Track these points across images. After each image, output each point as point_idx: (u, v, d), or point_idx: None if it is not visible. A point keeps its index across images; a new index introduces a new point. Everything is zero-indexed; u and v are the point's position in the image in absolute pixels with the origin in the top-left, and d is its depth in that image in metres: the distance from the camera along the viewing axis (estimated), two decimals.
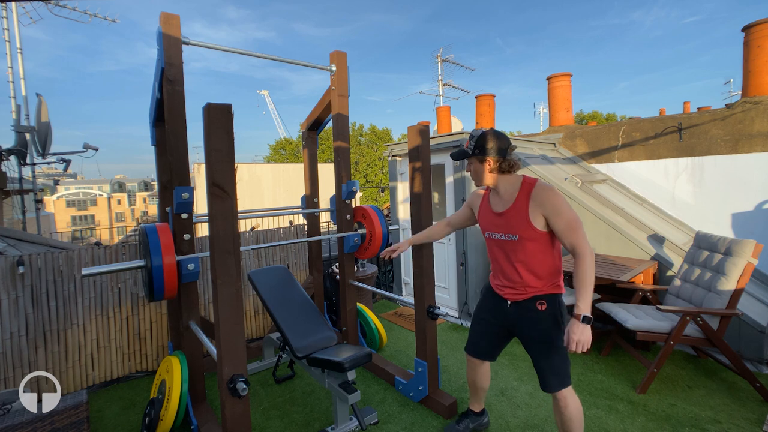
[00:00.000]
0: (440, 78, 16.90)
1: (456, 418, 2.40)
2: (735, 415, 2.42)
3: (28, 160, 6.89)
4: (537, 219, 1.73)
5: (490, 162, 1.82)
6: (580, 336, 1.60)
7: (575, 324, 1.62)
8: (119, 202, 49.19)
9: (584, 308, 1.61)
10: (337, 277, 3.92)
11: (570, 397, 1.81)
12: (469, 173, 1.94)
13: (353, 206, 3.31)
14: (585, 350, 1.61)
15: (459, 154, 1.91)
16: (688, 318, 2.62)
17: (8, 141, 7.19)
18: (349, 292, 3.27)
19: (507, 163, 1.81)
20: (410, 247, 2.69)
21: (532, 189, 1.76)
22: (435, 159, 4.30)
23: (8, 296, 2.73)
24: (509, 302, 1.90)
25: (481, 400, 2.30)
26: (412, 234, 2.64)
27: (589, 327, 1.61)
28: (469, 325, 4.05)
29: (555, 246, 1.81)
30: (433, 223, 2.47)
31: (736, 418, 2.38)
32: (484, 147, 1.82)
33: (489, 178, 1.86)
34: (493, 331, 2.03)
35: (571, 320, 1.64)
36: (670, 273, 3.50)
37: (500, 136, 1.83)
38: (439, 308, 2.60)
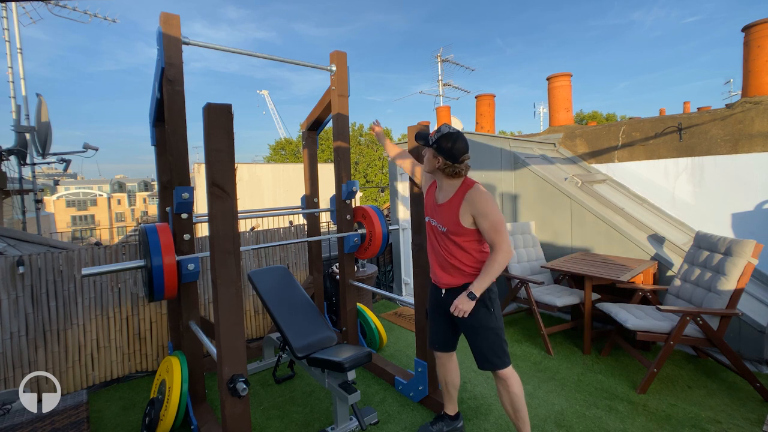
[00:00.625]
0: (440, 78, 16.93)
1: (432, 419, 2.42)
2: (735, 415, 2.42)
3: (28, 160, 6.90)
4: (465, 217, 1.91)
5: (439, 161, 1.96)
6: (460, 305, 1.88)
7: (462, 296, 1.89)
8: (119, 202, 49.19)
9: (476, 288, 1.87)
10: (337, 277, 3.92)
11: (512, 377, 1.99)
12: (424, 155, 2.08)
13: (353, 206, 3.31)
14: (462, 315, 1.88)
15: (421, 137, 2.03)
16: (688, 318, 2.62)
17: (8, 141, 7.19)
18: (349, 292, 3.27)
19: (451, 169, 1.94)
20: (411, 246, 2.70)
21: (468, 191, 1.93)
22: None
23: (8, 296, 2.73)
24: (443, 291, 2.07)
25: (454, 402, 2.34)
26: (413, 233, 2.64)
27: (472, 302, 1.87)
28: None
29: (481, 242, 1.98)
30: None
31: (736, 418, 2.38)
32: (441, 146, 1.93)
33: (436, 172, 2.02)
34: (440, 321, 2.17)
35: (462, 293, 1.90)
36: (670, 273, 3.50)
37: (459, 143, 1.92)
38: None
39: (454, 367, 2.28)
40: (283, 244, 2.99)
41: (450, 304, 2.01)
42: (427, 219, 2.13)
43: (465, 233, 1.93)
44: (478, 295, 1.87)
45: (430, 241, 2.11)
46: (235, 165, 1.69)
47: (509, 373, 1.98)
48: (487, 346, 1.96)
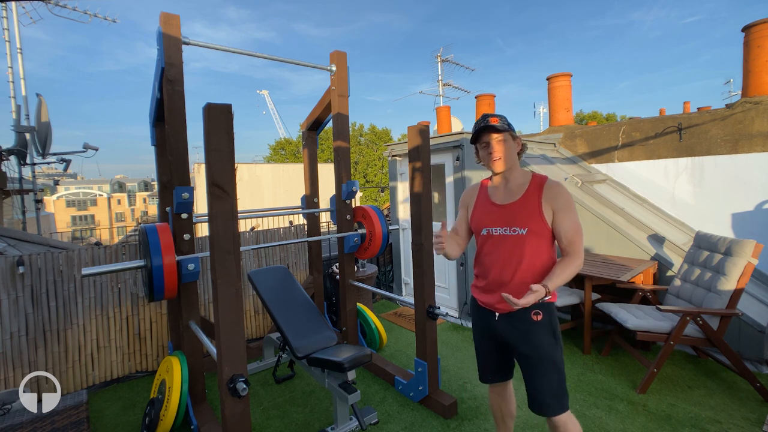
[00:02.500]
0: (440, 78, 16.91)
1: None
2: (735, 415, 2.42)
3: (28, 160, 6.89)
4: (547, 212, 1.61)
5: (519, 142, 1.70)
6: (532, 292, 1.46)
7: (537, 285, 1.48)
8: (119, 202, 49.21)
9: (551, 283, 1.51)
10: (337, 277, 3.92)
11: (570, 423, 1.61)
12: (494, 153, 1.66)
13: (353, 206, 3.31)
14: (519, 305, 1.44)
15: (499, 127, 1.63)
16: (688, 318, 2.62)
17: (8, 141, 7.19)
18: (349, 292, 3.27)
19: (525, 146, 1.72)
20: (411, 246, 2.69)
21: (545, 182, 1.65)
22: (435, 159, 4.29)
23: (8, 296, 2.73)
24: (497, 315, 1.71)
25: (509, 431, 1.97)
26: (413, 233, 2.64)
27: (541, 294, 1.47)
28: (469, 325, 4.05)
29: (554, 247, 1.69)
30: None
31: (736, 418, 2.38)
32: (512, 126, 1.68)
33: (516, 161, 1.70)
34: (492, 350, 1.82)
35: (539, 287, 1.47)
36: (670, 273, 3.50)
37: None
38: (439, 308, 2.60)
39: (510, 395, 1.93)
40: (283, 244, 2.99)
41: (505, 330, 1.69)
42: (483, 232, 1.72)
43: (545, 233, 1.62)
44: (551, 290, 1.49)
45: (491, 255, 1.70)
46: (235, 165, 1.69)
47: (566, 417, 1.60)
48: (546, 384, 1.60)
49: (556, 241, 1.67)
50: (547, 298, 1.54)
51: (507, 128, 1.64)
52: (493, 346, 1.80)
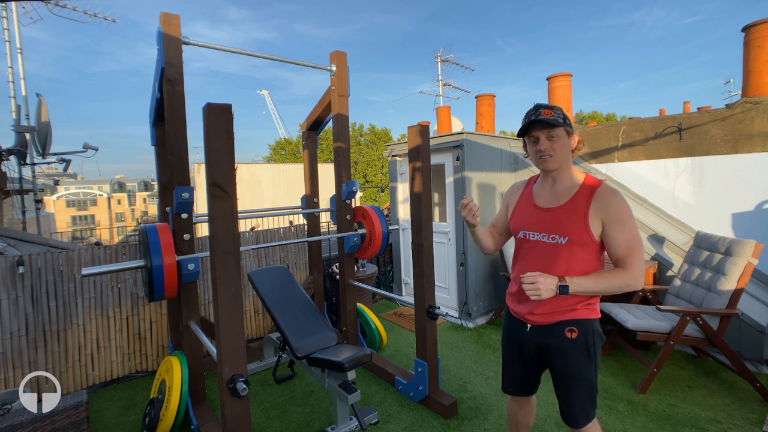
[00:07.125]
0: (440, 78, 16.91)
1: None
2: (735, 415, 2.42)
3: (28, 160, 6.90)
4: (594, 224, 1.44)
5: (575, 138, 1.52)
6: (542, 284, 1.36)
7: (551, 278, 1.38)
8: (119, 202, 49.22)
9: (575, 284, 1.38)
10: (337, 277, 3.92)
11: (592, 430, 1.58)
12: (544, 151, 1.50)
13: (353, 206, 3.31)
14: (534, 294, 1.37)
15: (552, 121, 1.45)
16: (688, 318, 2.62)
17: (8, 141, 7.20)
18: (349, 292, 3.27)
19: (582, 143, 1.54)
20: (411, 246, 2.68)
21: (598, 188, 1.48)
22: (435, 159, 4.29)
23: (8, 296, 2.73)
24: (528, 326, 1.60)
25: None
26: (413, 233, 2.64)
27: (553, 291, 1.37)
28: (469, 325, 4.05)
29: (601, 262, 1.52)
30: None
31: (736, 418, 2.38)
32: (568, 121, 1.49)
33: (568, 160, 1.53)
34: (518, 363, 1.72)
35: (553, 278, 1.39)
36: (670, 273, 3.50)
37: None
38: (439, 308, 2.60)
39: (531, 409, 1.84)
40: (283, 244, 2.99)
41: (536, 344, 1.58)
42: (521, 235, 1.60)
43: (590, 245, 1.45)
44: (570, 291, 1.38)
45: (525, 261, 1.58)
46: (235, 165, 1.70)
47: (591, 426, 1.58)
48: (576, 400, 1.55)
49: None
50: (558, 293, 1.38)
51: (561, 123, 1.45)
52: (520, 359, 1.69)
